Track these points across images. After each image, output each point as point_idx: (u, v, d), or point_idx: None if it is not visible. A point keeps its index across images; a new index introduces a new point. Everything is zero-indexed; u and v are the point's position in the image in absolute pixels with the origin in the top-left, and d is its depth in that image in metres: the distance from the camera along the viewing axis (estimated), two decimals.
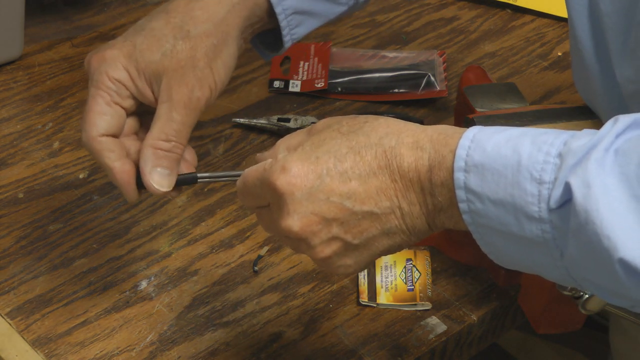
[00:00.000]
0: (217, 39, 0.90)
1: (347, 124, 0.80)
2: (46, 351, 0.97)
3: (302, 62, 1.31)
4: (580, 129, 0.98)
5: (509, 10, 1.43)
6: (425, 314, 1.03)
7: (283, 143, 0.83)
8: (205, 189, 1.14)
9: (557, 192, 0.71)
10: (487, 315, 1.04)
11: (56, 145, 1.19)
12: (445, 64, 1.31)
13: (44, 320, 1.00)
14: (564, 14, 1.40)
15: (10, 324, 1.00)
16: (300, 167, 0.78)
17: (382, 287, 1.04)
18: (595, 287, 0.73)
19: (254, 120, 1.22)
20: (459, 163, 0.75)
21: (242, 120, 1.22)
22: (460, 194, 0.75)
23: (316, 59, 1.32)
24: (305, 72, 1.30)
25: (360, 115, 0.82)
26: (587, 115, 0.99)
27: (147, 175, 0.89)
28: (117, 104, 0.88)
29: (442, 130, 0.78)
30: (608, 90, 0.93)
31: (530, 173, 0.72)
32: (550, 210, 0.71)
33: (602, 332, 1.14)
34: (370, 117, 0.81)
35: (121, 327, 1.00)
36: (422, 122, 1.24)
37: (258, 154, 0.86)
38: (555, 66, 1.34)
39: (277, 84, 1.29)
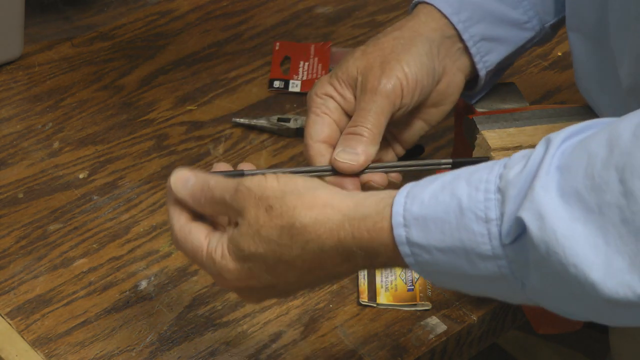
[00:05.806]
0: (404, 40, 0.96)
1: (265, 232, 0.79)
2: (46, 351, 0.97)
3: (302, 62, 1.31)
4: None
5: None
6: (425, 314, 1.03)
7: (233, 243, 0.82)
8: None
9: (507, 227, 0.70)
10: (487, 315, 1.04)
11: (56, 145, 1.19)
12: None
13: (44, 320, 1.00)
14: None
15: (10, 324, 1.00)
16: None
17: (382, 287, 1.04)
18: (567, 314, 0.72)
19: (254, 120, 1.22)
20: (397, 219, 0.74)
21: (242, 120, 1.22)
22: (404, 249, 0.74)
23: (316, 59, 1.32)
24: (305, 72, 1.30)
25: (274, 210, 0.79)
26: (587, 115, 0.99)
27: (333, 156, 0.93)
28: (325, 114, 0.95)
29: (363, 224, 0.76)
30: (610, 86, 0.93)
31: (474, 214, 0.71)
32: (503, 245, 0.70)
33: (602, 332, 1.14)
34: (285, 219, 0.78)
35: (121, 327, 1.00)
36: None
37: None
38: (555, 66, 1.34)
39: (277, 83, 1.29)
